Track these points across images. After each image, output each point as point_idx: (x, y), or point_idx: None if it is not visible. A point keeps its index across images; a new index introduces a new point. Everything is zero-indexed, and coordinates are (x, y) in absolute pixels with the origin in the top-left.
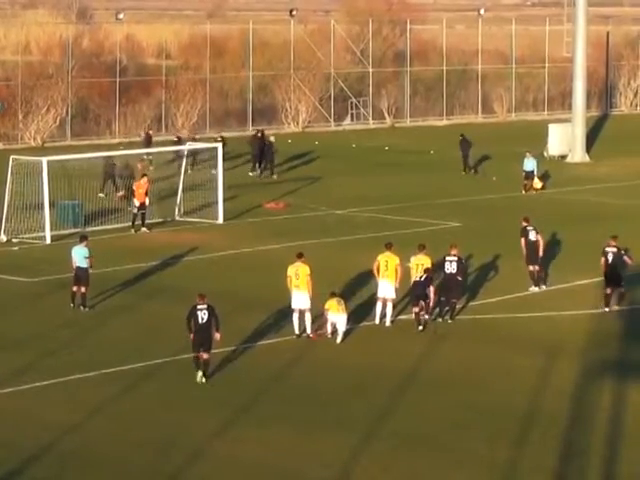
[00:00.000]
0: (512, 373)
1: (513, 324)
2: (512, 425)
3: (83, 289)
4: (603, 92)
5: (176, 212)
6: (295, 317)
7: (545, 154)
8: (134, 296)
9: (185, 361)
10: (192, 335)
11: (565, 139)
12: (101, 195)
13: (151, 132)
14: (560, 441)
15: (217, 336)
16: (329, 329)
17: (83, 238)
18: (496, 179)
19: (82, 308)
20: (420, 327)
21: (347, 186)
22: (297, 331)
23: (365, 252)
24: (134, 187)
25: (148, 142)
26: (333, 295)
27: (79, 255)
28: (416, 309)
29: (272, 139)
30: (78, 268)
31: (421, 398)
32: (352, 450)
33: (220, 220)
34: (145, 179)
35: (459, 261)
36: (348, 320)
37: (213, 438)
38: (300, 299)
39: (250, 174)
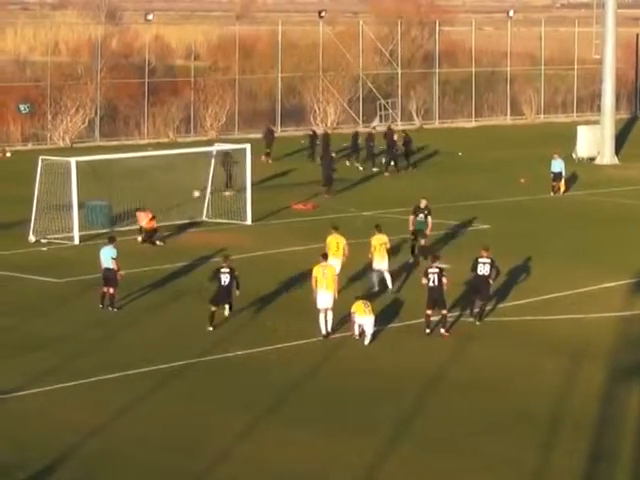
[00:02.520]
0: (539, 375)
1: (540, 326)
2: (540, 428)
3: (112, 290)
4: (632, 94)
5: (204, 213)
6: (322, 317)
7: (574, 156)
8: (161, 297)
9: (211, 362)
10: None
11: (594, 141)
12: (226, 193)
13: (273, 127)
14: (589, 444)
15: (237, 292)
16: (357, 331)
17: (112, 239)
18: (524, 181)
19: (110, 309)
20: (428, 330)
21: (375, 187)
22: (324, 331)
23: (392, 254)
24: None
25: (270, 136)
26: (360, 298)
27: (107, 256)
28: (429, 312)
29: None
30: (106, 269)
31: (448, 401)
32: (377, 453)
33: (249, 221)
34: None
35: (492, 263)
36: (375, 322)
37: (239, 440)
38: (326, 299)
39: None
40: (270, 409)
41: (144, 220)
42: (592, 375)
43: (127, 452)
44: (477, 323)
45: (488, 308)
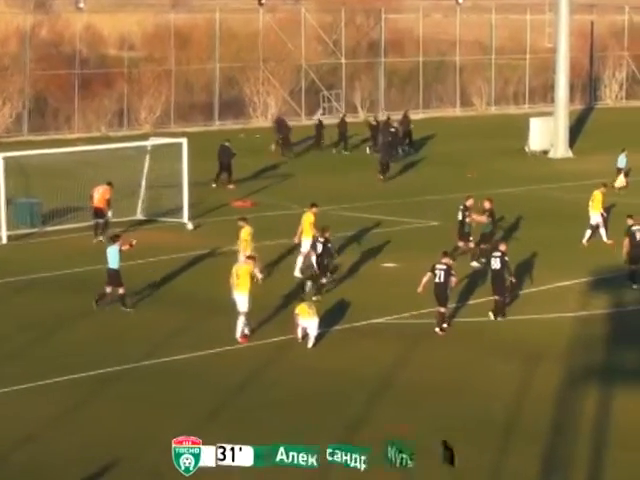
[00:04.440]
0: (493, 379)
1: (494, 328)
2: (493, 433)
3: (120, 290)
4: (587, 84)
5: (138, 210)
6: (239, 320)
7: (526, 149)
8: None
9: (150, 367)
10: None
11: (547, 134)
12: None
13: (283, 117)
14: (544, 449)
15: None
16: (300, 334)
17: (115, 237)
18: (472, 175)
19: (124, 309)
20: (437, 329)
21: (320, 183)
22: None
23: (340, 256)
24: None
25: (281, 126)
26: (302, 300)
27: (111, 255)
28: (442, 309)
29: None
30: (109, 269)
31: (398, 404)
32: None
33: (185, 219)
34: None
35: (502, 257)
36: (319, 324)
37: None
38: (238, 300)
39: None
40: (210, 416)
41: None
42: (547, 378)
43: (57, 464)
44: (499, 319)
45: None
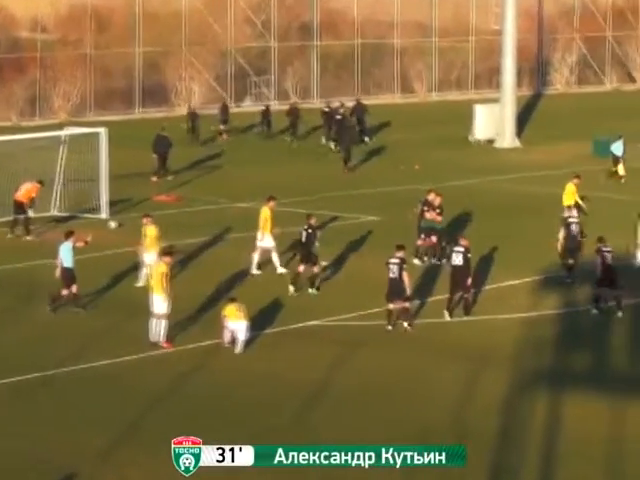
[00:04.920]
0: (438, 383)
1: (438, 329)
2: (437, 441)
3: (74, 289)
4: (535, 69)
5: (53, 206)
6: (152, 322)
7: (470, 138)
8: (12, 300)
9: (70, 373)
10: None
11: (493, 121)
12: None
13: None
14: (491, 457)
15: None
16: (227, 338)
17: (69, 234)
18: (419, 167)
19: (77, 309)
20: (389, 327)
21: (250, 176)
22: (151, 338)
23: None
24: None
25: (225, 112)
26: (232, 300)
27: (65, 253)
28: (390, 306)
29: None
30: (64, 268)
31: (334, 412)
32: (260, 473)
33: (104, 214)
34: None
35: (466, 253)
36: (249, 327)
37: (96, 461)
38: (154, 302)
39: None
40: (132, 426)
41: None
42: (495, 382)
43: None
44: (464, 318)
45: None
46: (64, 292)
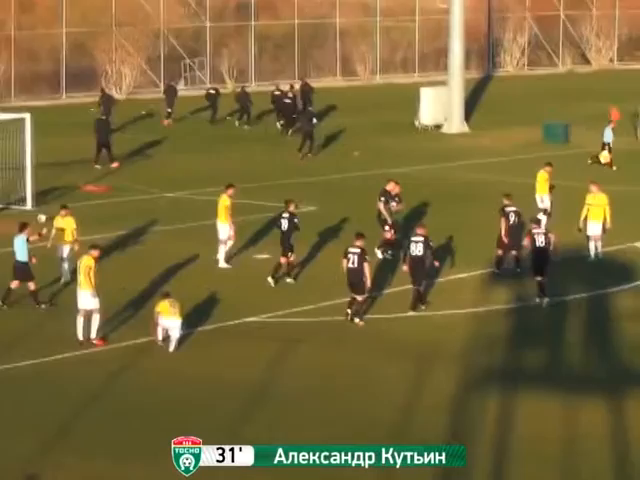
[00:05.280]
0: (382, 383)
1: (381, 326)
2: (382, 442)
3: (31, 286)
4: (485, 50)
5: None
6: (79, 320)
7: (416, 123)
8: None
9: None
10: None
11: (440, 106)
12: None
13: (174, 83)
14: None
15: None
16: (160, 335)
17: (23, 226)
18: (359, 154)
19: (39, 306)
20: (357, 320)
21: (182, 164)
22: (80, 336)
23: (203, 243)
24: None
25: (171, 95)
26: (165, 296)
27: (18, 247)
28: (359, 297)
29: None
30: (17, 262)
31: (273, 413)
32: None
33: (29, 206)
34: None
35: (426, 242)
36: (183, 324)
37: (27, 467)
38: (82, 298)
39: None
40: (62, 430)
41: None
42: (443, 382)
43: None
44: (422, 307)
45: (325, 304)
46: (13, 285)
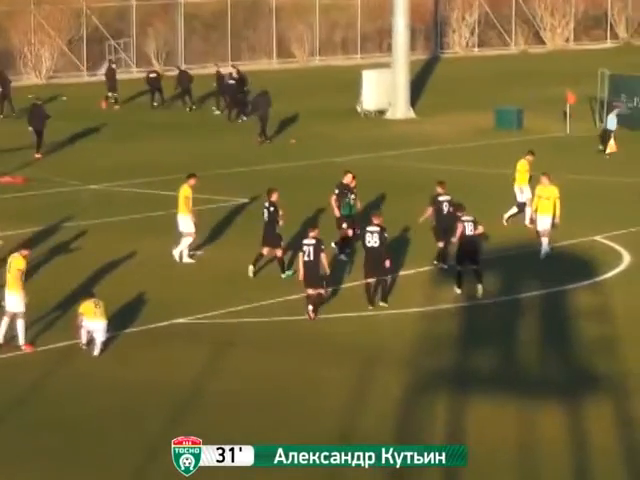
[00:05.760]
0: (321, 388)
1: (320, 327)
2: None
3: None
4: (431, 29)
5: None
6: (4, 322)
7: (358, 109)
8: None
9: None
10: None
11: (384, 90)
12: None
13: (114, 65)
14: (385, 470)
15: None
16: (84, 338)
17: None
18: (295, 142)
19: None
20: (312, 314)
21: (105, 154)
22: (1, 340)
23: (128, 238)
24: None
25: (112, 77)
26: (90, 296)
27: None
28: (310, 291)
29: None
30: None
31: (206, 420)
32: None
33: None
34: None
35: (382, 232)
36: (108, 327)
37: None
38: (9, 301)
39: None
40: None
41: None
42: (387, 387)
43: None
44: (382, 304)
45: (264, 303)
46: None
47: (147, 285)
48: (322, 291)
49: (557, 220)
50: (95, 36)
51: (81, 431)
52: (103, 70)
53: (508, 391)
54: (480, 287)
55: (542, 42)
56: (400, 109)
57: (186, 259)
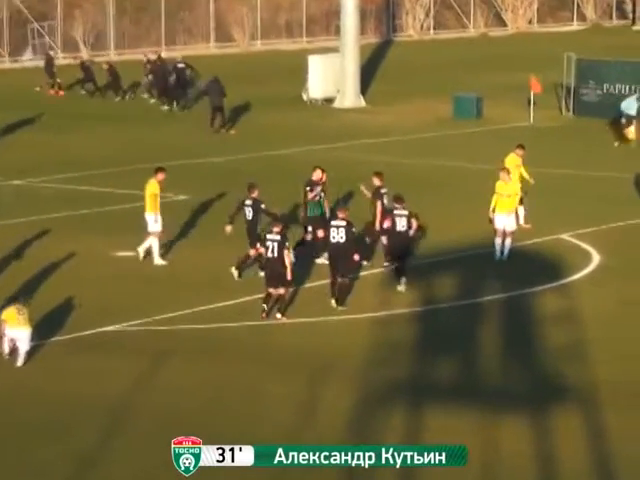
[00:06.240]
0: (265, 402)
1: (266, 334)
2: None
3: None
4: (383, 11)
5: None
6: None
7: (304, 97)
8: None
9: None
10: None
11: (331, 76)
12: None
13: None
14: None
15: None
16: (6, 348)
17: None
18: (235, 132)
19: None
20: (264, 314)
21: (29, 146)
22: None
23: (55, 239)
24: None
25: (50, 65)
26: (12, 302)
27: None
28: (271, 290)
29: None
30: None
31: (137, 438)
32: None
33: None
34: None
35: (348, 227)
36: (33, 335)
37: None
38: None
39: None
40: None
41: None
42: (341, 396)
43: None
44: (338, 308)
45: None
46: None
47: (76, 289)
48: (282, 291)
49: (521, 221)
50: (17, 19)
51: (3, 446)
52: (26, 56)
53: (469, 403)
54: (403, 282)
55: (503, 24)
56: (349, 97)
57: (158, 260)
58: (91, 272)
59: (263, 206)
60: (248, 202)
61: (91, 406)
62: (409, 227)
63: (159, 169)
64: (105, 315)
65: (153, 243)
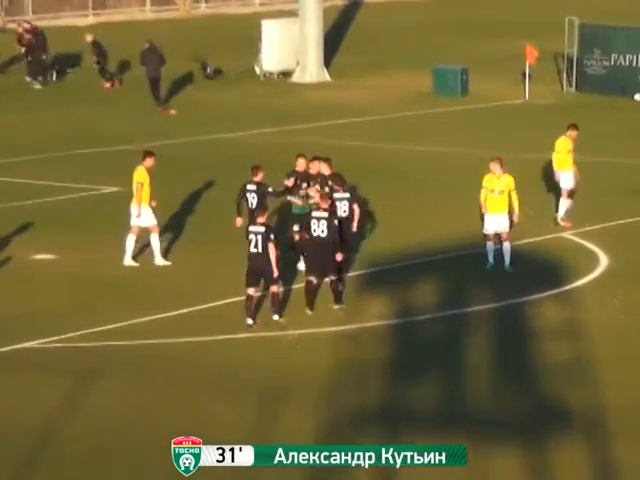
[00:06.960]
0: (209, 430)
1: (213, 350)
2: None
3: None
4: None
5: None
6: None
7: (257, 70)
8: None
9: None
10: None
11: (289, 45)
12: None
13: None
14: None
15: None
16: None
17: None
18: (176, 112)
19: None
20: (250, 321)
21: None
22: None
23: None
24: None
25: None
26: None
27: None
28: (251, 291)
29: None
30: None
31: (68, 467)
32: None
33: None
34: None
35: (330, 219)
36: None
37: None
38: None
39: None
40: None
41: None
42: (296, 428)
43: None
44: (335, 307)
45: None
46: None
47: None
48: (274, 289)
49: (515, 218)
50: None
51: None
52: None
53: (453, 432)
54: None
55: None
56: (310, 70)
57: (160, 260)
58: (6, 279)
59: (270, 189)
60: (251, 187)
61: (3, 437)
62: (350, 214)
63: (147, 153)
64: (23, 329)
65: (130, 241)
